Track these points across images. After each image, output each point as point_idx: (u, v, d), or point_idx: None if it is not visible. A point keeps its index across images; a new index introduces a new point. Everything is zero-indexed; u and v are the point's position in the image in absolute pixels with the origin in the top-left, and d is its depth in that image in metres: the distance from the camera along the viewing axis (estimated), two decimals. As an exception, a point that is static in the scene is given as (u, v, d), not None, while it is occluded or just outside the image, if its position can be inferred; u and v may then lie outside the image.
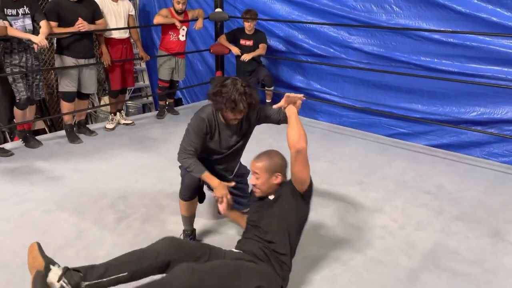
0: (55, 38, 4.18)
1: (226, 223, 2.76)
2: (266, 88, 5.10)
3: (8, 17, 3.56)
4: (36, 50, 3.73)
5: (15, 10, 3.62)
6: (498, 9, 3.71)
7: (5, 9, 3.55)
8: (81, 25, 3.96)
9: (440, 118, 4.19)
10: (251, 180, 2.19)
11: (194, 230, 2.59)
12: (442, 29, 3.97)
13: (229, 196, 2.25)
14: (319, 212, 2.89)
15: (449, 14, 3.95)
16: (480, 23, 3.78)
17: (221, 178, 2.35)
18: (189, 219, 2.54)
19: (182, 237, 2.53)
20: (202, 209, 2.77)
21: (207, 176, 2.27)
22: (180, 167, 2.44)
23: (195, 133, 2.29)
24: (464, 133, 4.09)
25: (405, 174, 3.60)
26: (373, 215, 2.91)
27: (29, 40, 3.65)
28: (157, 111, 5.25)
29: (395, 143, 4.35)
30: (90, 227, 2.70)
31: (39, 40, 3.59)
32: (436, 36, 4.05)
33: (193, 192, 2.43)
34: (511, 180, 3.54)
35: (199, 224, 2.70)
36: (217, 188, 2.25)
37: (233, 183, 2.35)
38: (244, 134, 2.45)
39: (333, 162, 3.83)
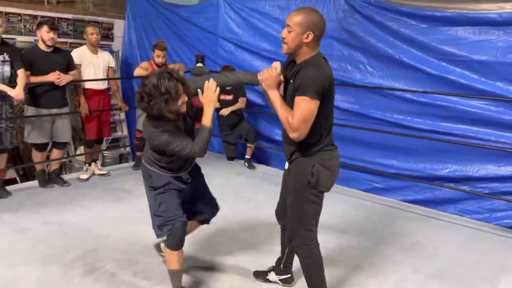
0: (27, 89, 4.15)
1: (213, 276, 2.67)
2: (248, 143, 5.14)
3: (-13, 64, 3.56)
4: (14, 104, 3.70)
5: None
6: (465, 72, 3.92)
7: None
8: (59, 80, 3.98)
9: (414, 174, 4.26)
10: (281, 33, 1.98)
11: None
12: (414, 89, 4.15)
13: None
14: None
15: (419, 75, 4.14)
16: (449, 84, 3.97)
17: (181, 168, 2.38)
18: (180, 273, 2.41)
19: None
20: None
21: (206, 119, 2.23)
22: (159, 214, 2.31)
23: (171, 137, 2.19)
24: (438, 189, 4.15)
25: (381, 230, 3.59)
26: (350, 273, 2.86)
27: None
28: (134, 162, 5.19)
29: (371, 198, 4.38)
30: (56, 281, 2.57)
31: (16, 94, 3.58)
32: (408, 95, 4.22)
33: (183, 237, 2.33)
34: (486, 237, 3.57)
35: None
36: (208, 100, 2.20)
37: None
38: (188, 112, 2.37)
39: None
